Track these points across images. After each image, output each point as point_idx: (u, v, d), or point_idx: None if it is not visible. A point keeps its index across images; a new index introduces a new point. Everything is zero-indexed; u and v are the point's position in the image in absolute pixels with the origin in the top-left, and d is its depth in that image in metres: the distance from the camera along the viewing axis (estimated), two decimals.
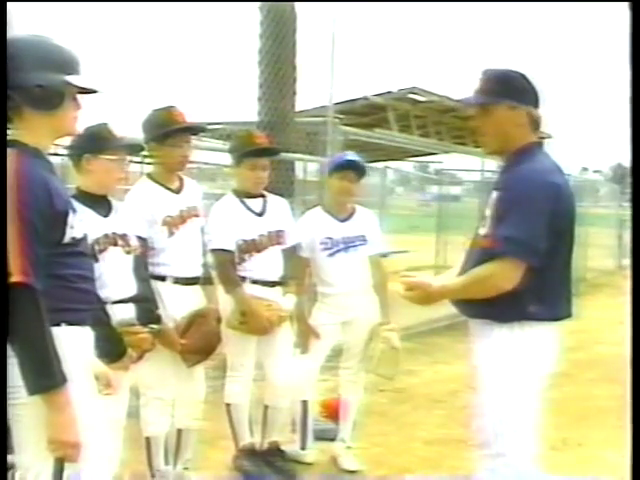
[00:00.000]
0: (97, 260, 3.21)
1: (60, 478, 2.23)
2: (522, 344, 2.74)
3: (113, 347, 3.10)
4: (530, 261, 2.69)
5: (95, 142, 3.26)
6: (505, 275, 2.70)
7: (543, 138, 3.01)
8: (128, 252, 3.38)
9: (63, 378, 2.16)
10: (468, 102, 3.02)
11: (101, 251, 3.25)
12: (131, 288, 3.34)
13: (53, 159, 2.51)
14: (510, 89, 2.83)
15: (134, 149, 3.58)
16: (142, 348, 3.36)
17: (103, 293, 3.10)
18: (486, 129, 2.91)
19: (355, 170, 4.42)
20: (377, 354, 4.41)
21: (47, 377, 2.14)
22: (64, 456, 2.21)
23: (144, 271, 3.53)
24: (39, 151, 2.28)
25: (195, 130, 4.03)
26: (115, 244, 3.32)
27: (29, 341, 2.12)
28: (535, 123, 2.86)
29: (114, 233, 3.32)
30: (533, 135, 2.87)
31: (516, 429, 2.73)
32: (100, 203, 3.32)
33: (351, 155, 4.59)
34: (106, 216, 3.33)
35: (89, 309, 2.40)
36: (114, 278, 3.24)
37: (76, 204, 3.06)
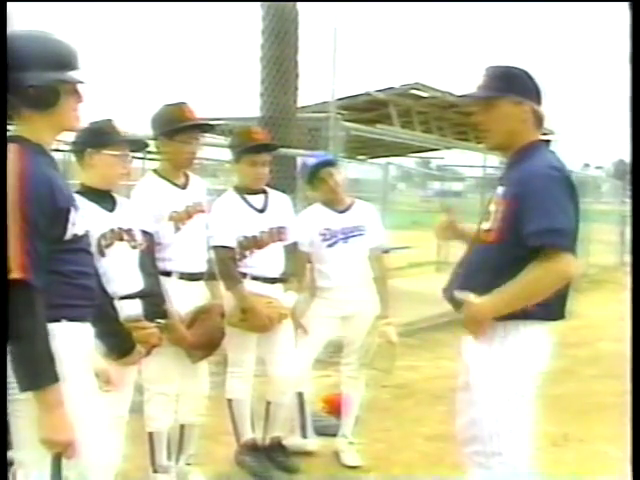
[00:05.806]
0: (103, 255, 3.23)
1: (59, 474, 2.23)
2: (519, 343, 2.72)
3: (122, 343, 3.12)
4: (573, 249, 2.56)
5: (97, 137, 3.26)
6: (561, 269, 2.57)
7: (546, 134, 2.99)
8: (134, 247, 3.38)
9: (54, 377, 2.15)
10: (473, 96, 2.98)
11: (107, 246, 3.26)
12: (137, 283, 3.35)
13: (55, 155, 2.50)
14: (515, 85, 2.80)
15: (137, 145, 3.59)
16: (150, 343, 3.37)
17: (110, 288, 3.11)
18: (489, 124, 2.88)
19: (329, 166, 4.46)
20: (373, 348, 4.42)
21: (37, 375, 2.13)
22: (59, 454, 2.21)
23: (151, 266, 3.53)
24: (41, 147, 2.28)
25: (205, 127, 4.01)
26: (121, 239, 3.33)
27: (22, 338, 2.12)
28: (538, 120, 2.84)
29: (120, 228, 3.33)
30: (536, 132, 2.84)
31: (512, 428, 2.71)
32: (104, 198, 3.33)
33: (319, 157, 4.70)
34: (111, 211, 3.34)
35: (89, 305, 2.40)
36: (120, 273, 3.25)
37: (81, 199, 3.08)
